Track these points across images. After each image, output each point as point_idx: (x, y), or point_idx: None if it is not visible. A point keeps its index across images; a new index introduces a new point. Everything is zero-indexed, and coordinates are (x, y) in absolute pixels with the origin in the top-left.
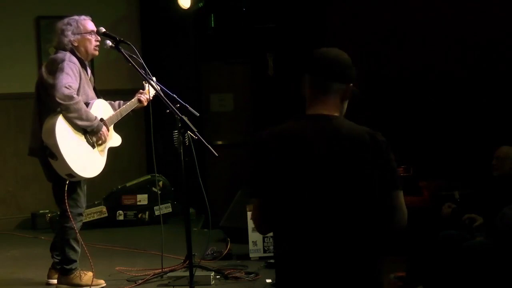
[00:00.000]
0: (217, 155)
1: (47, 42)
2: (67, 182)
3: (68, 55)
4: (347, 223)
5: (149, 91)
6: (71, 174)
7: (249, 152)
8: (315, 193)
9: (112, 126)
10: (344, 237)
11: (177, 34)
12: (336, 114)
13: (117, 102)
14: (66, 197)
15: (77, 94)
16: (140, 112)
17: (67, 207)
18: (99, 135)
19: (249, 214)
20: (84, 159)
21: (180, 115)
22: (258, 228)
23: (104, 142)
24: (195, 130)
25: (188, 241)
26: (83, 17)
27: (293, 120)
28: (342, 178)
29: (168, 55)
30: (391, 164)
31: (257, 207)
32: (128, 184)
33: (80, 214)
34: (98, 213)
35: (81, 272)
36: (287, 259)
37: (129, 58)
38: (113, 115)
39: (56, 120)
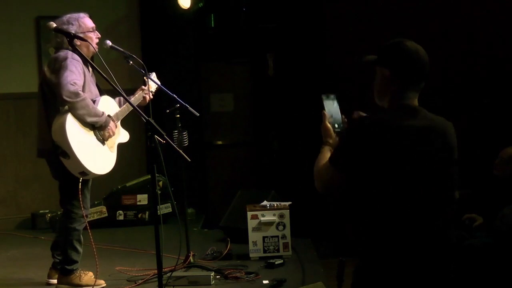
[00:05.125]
0: (189, 160)
1: (47, 42)
2: (81, 181)
3: (70, 53)
4: (439, 215)
5: (149, 87)
6: (84, 172)
7: (347, 131)
8: (415, 187)
9: (119, 121)
10: (435, 229)
11: (177, 34)
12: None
13: (117, 98)
14: (80, 198)
15: (83, 91)
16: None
17: (74, 208)
18: (107, 130)
19: (249, 214)
20: (95, 155)
21: (147, 118)
22: (320, 184)
23: (111, 136)
24: (163, 133)
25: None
26: (81, 14)
27: (393, 110)
28: (439, 173)
29: (168, 55)
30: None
31: (332, 173)
32: (128, 184)
33: (85, 216)
34: (98, 213)
35: (82, 272)
36: (389, 248)
37: (91, 62)
38: (120, 110)
39: (66, 118)
